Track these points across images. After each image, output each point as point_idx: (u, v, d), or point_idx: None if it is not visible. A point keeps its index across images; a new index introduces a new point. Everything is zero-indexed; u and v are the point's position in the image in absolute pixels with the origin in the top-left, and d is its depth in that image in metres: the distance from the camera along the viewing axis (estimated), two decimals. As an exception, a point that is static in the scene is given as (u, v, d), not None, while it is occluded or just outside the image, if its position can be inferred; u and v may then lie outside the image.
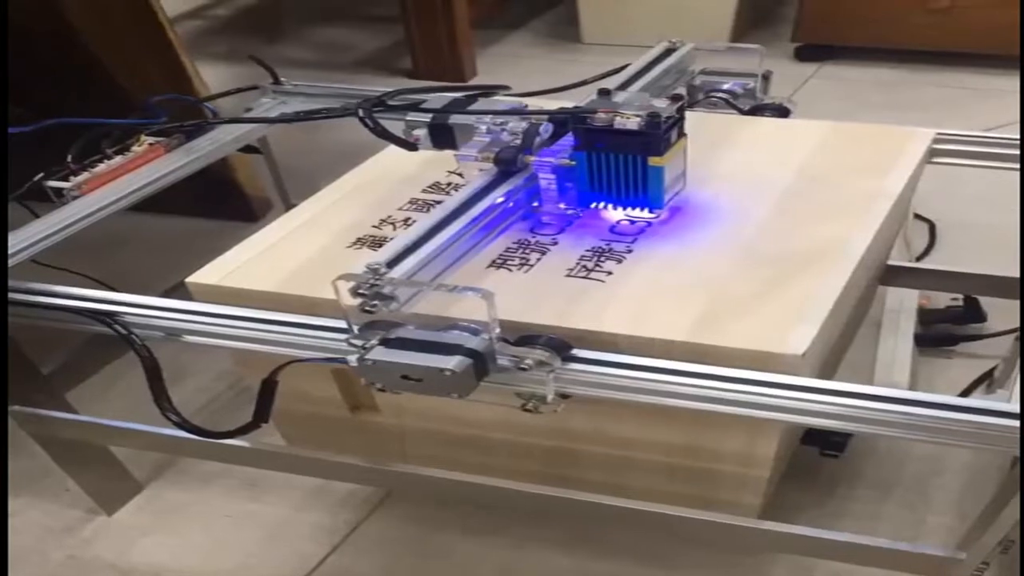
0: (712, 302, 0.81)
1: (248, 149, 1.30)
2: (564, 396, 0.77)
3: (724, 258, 0.87)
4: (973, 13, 2.24)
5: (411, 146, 0.94)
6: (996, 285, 1.19)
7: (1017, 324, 0.75)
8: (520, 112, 0.91)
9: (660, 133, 0.85)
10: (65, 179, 1.08)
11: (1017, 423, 0.67)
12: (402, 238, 0.82)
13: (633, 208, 0.92)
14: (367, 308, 0.75)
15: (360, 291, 0.75)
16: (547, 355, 0.75)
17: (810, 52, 2.43)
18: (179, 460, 1.27)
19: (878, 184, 0.97)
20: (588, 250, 0.90)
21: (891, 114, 2.05)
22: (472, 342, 0.74)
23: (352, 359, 0.76)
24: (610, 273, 0.86)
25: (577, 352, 0.77)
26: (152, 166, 1.15)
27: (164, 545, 1.16)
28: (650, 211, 0.92)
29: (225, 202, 1.78)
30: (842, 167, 1.01)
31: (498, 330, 0.74)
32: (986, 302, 1.36)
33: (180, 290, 0.93)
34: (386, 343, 0.75)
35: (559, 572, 1.08)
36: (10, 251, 1.00)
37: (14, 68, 1.31)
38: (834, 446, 1.09)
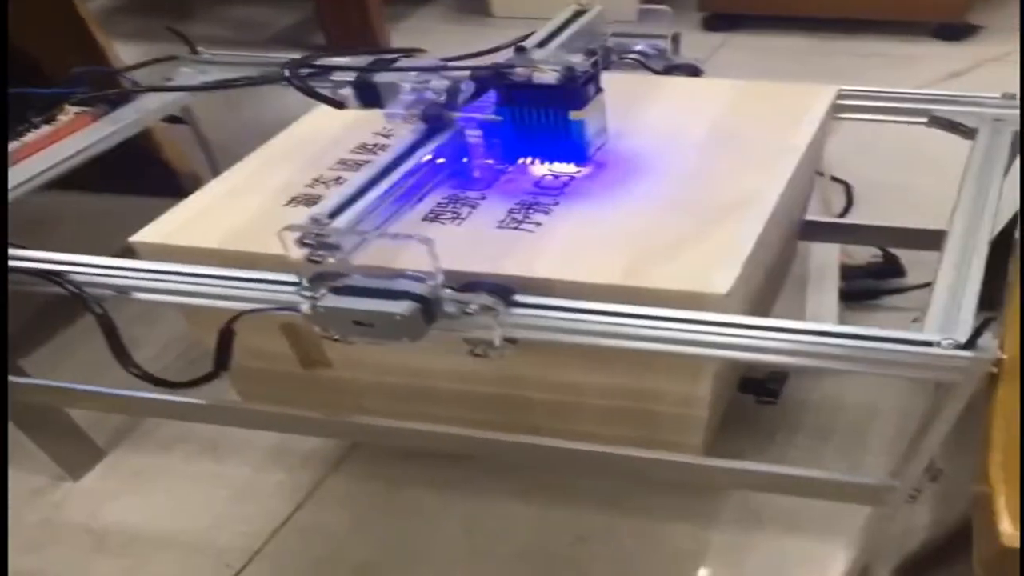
0: (639, 249, 0.86)
1: (172, 119, 1.31)
2: (511, 341, 0.81)
3: (647, 208, 0.92)
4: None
5: (339, 104, 0.96)
6: (912, 238, 1.26)
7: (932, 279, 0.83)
8: (443, 67, 0.94)
9: (578, 87, 0.89)
10: (-6, 149, 1.09)
11: (932, 350, 0.73)
12: (341, 191, 0.85)
13: (558, 162, 0.97)
14: (313, 258, 0.79)
15: (306, 241, 0.78)
16: (492, 300, 0.79)
17: (718, 21, 2.47)
18: (139, 426, 1.29)
19: (787, 137, 1.03)
20: (516, 203, 0.94)
21: (799, 80, 2.08)
22: (419, 288, 0.78)
23: (305, 307, 0.79)
24: (539, 224, 0.90)
25: (520, 297, 0.81)
26: (80, 135, 1.16)
27: (133, 507, 1.19)
28: (575, 165, 0.97)
29: (153, 178, 1.77)
30: (753, 123, 1.07)
31: (442, 277, 0.78)
32: (906, 257, 1.43)
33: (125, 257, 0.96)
34: (336, 291, 0.79)
35: (521, 519, 1.13)
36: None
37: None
38: (769, 392, 1.15)
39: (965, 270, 0.83)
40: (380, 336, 0.77)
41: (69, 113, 1.17)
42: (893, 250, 1.45)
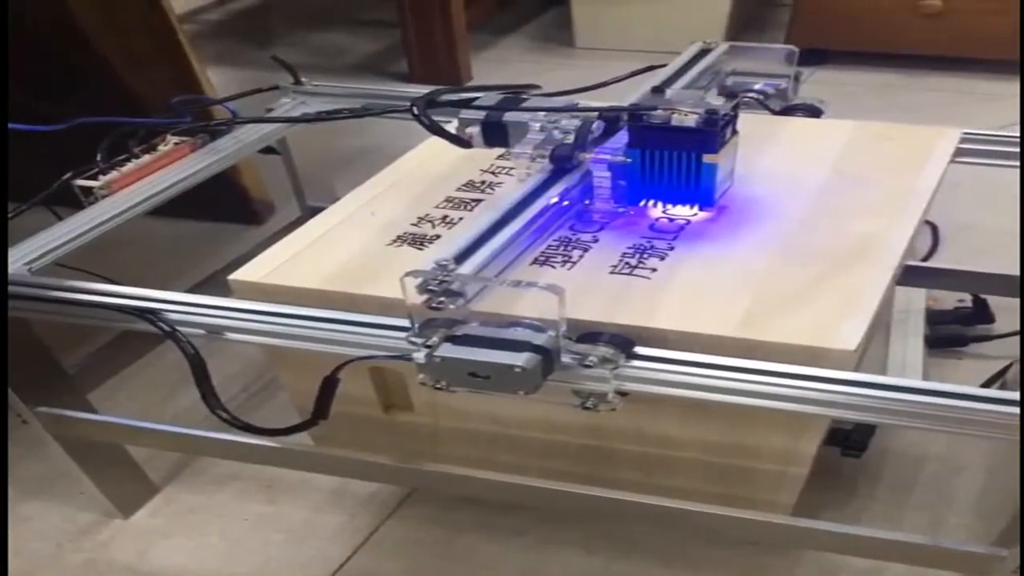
0: (758, 298, 0.81)
1: (267, 150, 1.29)
2: (622, 394, 0.76)
3: (766, 255, 0.88)
4: (965, 18, 2.26)
5: (465, 143, 0.93)
6: (1002, 284, 1.21)
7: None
8: (575, 109, 0.91)
9: (717, 130, 0.86)
10: (94, 178, 1.07)
11: None
12: (465, 234, 0.82)
13: (684, 205, 0.93)
14: (435, 305, 0.75)
15: (429, 287, 0.74)
16: (612, 352, 0.75)
17: (804, 56, 2.42)
18: (193, 462, 1.25)
19: (912, 182, 0.98)
20: (630, 247, 0.90)
21: (889, 117, 2.06)
22: (539, 338, 0.73)
23: (420, 356, 0.75)
24: (654, 270, 0.86)
25: (640, 350, 0.77)
26: (179, 165, 1.14)
27: (182, 548, 1.14)
28: (701, 208, 0.92)
29: (228, 205, 1.76)
30: (876, 165, 1.02)
31: (564, 327, 0.74)
32: (994, 303, 1.37)
33: (203, 288, 0.92)
34: (453, 340, 0.74)
35: (582, 572, 1.08)
36: (40, 252, 0.99)
37: (25, 71, 1.30)
38: (856, 445, 1.09)
39: None
40: (495, 388, 0.73)
41: (169, 143, 1.16)
42: (982, 295, 1.38)
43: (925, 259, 1.59)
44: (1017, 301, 1.18)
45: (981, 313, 1.37)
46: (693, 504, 0.88)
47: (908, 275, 1.26)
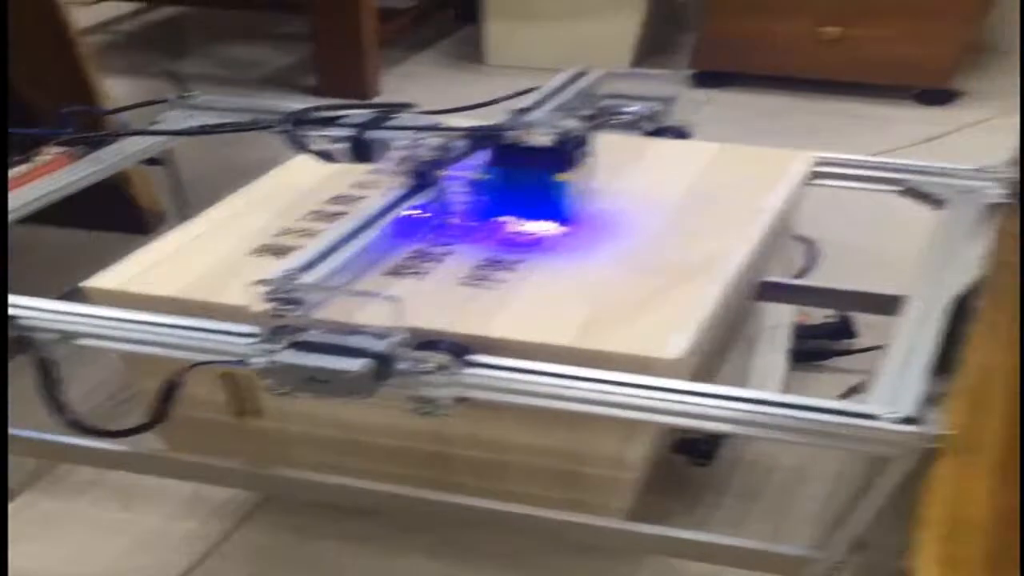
0: (597, 310, 0.85)
1: (152, 161, 1.29)
2: (460, 400, 0.79)
3: (610, 270, 0.92)
4: (862, 45, 2.33)
5: (331, 159, 0.95)
6: (868, 302, 1.25)
7: (884, 341, 0.82)
8: (437, 128, 0.94)
9: (570, 150, 0.90)
10: (-32, 187, 1.07)
11: (873, 423, 0.72)
12: (315, 245, 0.84)
13: (539, 221, 0.96)
14: (278, 312, 0.77)
15: (273, 296, 0.77)
16: (447, 359, 0.78)
17: (707, 79, 2.49)
18: (54, 470, 1.24)
19: (759, 202, 1.03)
20: (482, 260, 0.93)
21: (782, 139, 2.11)
22: (377, 345, 0.76)
23: (260, 362, 0.77)
24: (503, 282, 0.89)
25: (474, 357, 0.80)
26: (54, 176, 1.14)
27: (28, 553, 1.13)
28: (557, 224, 0.95)
29: (118, 214, 1.75)
30: (729, 186, 1.07)
31: (403, 335, 0.77)
32: (861, 319, 1.41)
33: (73, 297, 0.93)
34: (295, 346, 0.77)
35: None
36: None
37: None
38: (703, 454, 1.14)
39: (917, 341, 0.83)
40: (332, 393, 0.76)
41: (49, 153, 1.16)
42: (851, 312, 1.43)
43: (801, 275, 1.63)
44: (880, 319, 1.21)
45: (845, 328, 1.42)
46: (533, 509, 0.91)
47: (779, 292, 1.31)
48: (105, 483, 1.21)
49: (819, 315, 1.44)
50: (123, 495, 1.21)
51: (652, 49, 2.67)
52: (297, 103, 1.12)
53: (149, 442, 0.94)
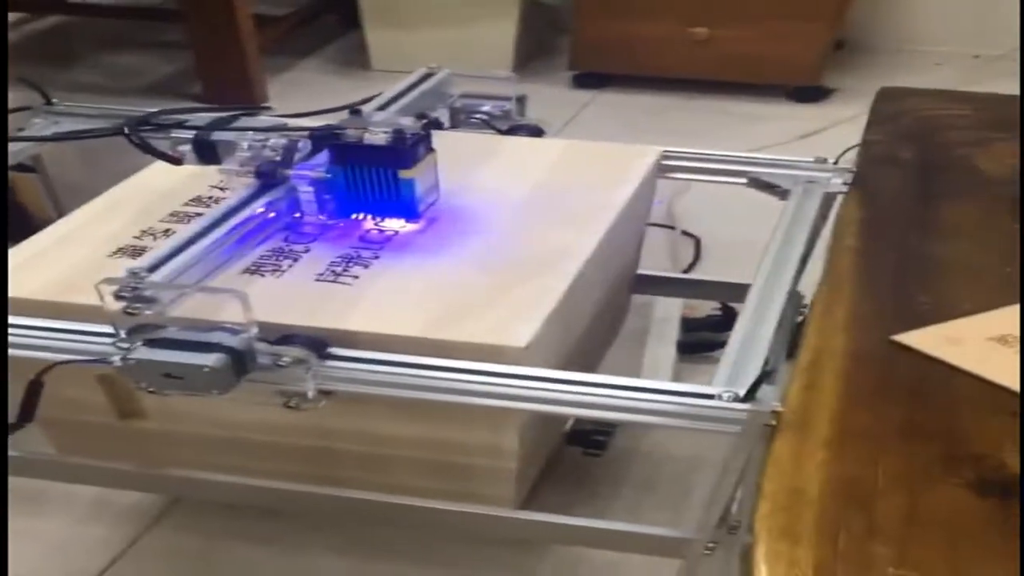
0: (449, 302, 0.89)
1: (22, 168, 1.31)
2: (326, 393, 0.82)
3: (461, 264, 0.96)
4: (729, 45, 2.42)
5: (176, 161, 0.98)
6: (744, 292, 1.29)
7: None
8: (278, 129, 0.97)
9: (407, 148, 0.93)
10: None
11: (713, 402, 0.77)
12: (164, 245, 0.87)
13: (390, 218, 1.00)
14: (130, 311, 0.80)
15: (122, 294, 0.79)
16: (304, 353, 0.81)
17: (587, 80, 2.56)
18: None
19: (606, 196, 1.07)
20: (338, 257, 0.96)
21: (661, 138, 2.14)
22: (231, 341, 0.79)
23: (116, 359, 0.80)
24: (356, 278, 0.93)
25: (333, 350, 0.83)
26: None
27: None
28: (406, 221, 1.00)
29: (9, 223, 1.75)
30: (576, 181, 1.11)
31: (255, 329, 0.80)
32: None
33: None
34: (150, 343, 0.80)
35: (335, 574, 1.13)
36: None
37: None
38: (595, 445, 1.18)
39: (758, 324, 0.88)
40: (189, 388, 0.78)
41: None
42: (733, 303, 1.48)
43: (688, 270, 1.70)
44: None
45: (729, 320, 1.46)
46: (426, 501, 0.94)
47: (661, 285, 1.37)
48: (12, 490, 1.21)
49: (706, 309, 1.50)
50: (29, 502, 1.22)
51: (533, 52, 2.72)
52: (143, 108, 1.14)
53: (41, 447, 0.95)
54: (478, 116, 1.24)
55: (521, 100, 1.25)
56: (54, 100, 1.33)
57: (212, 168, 1.01)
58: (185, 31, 2.44)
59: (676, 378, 1.36)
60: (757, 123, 2.31)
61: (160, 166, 1.13)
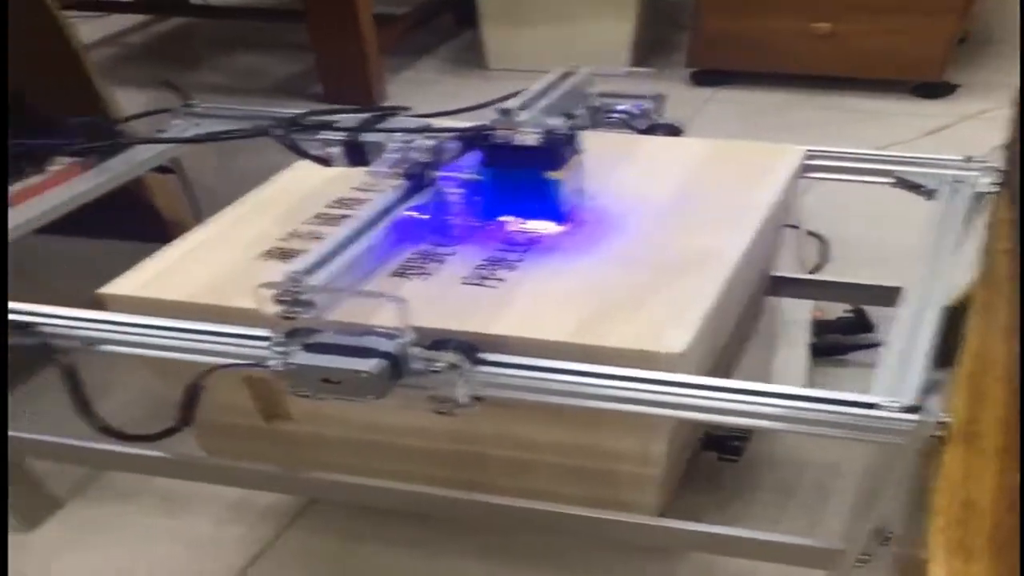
0: (597, 306, 0.87)
1: (162, 169, 1.33)
2: (477, 399, 0.82)
3: (608, 266, 0.94)
4: (852, 39, 2.35)
5: (325, 162, 0.98)
6: (878, 295, 1.27)
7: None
8: (428, 130, 0.96)
9: (557, 148, 0.92)
10: (-17, 198, 1.11)
11: (876, 412, 0.74)
12: (319, 248, 0.86)
13: (535, 220, 0.98)
14: (287, 315, 0.80)
15: (281, 298, 0.80)
16: (457, 358, 0.80)
17: (705, 77, 2.52)
18: (100, 476, 1.27)
19: (752, 196, 1.05)
20: (484, 259, 0.95)
21: (780, 135, 2.13)
22: (387, 345, 0.79)
23: (275, 364, 0.80)
24: (503, 280, 0.92)
25: (484, 355, 0.82)
26: (68, 185, 1.18)
27: (84, 561, 1.17)
28: (553, 223, 0.98)
29: (141, 224, 1.78)
30: (722, 182, 1.09)
31: (412, 334, 0.79)
32: (875, 312, 1.43)
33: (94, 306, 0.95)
34: (307, 348, 0.80)
35: None
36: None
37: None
38: (732, 451, 1.14)
39: (916, 331, 0.85)
40: (346, 393, 0.78)
41: (61, 163, 1.19)
42: (862, 305, 1.45)
43: (814, 271, 1.65)
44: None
45: (861, 322, 1.44)
46: (568, 507, 0.93)
47: (791, 287, 1.33)
48: (151, 491, 1.25)
49: (837, 311, 1.46)
50: (170, 502, 1.24)
51: (650, 49, 2.70)
52: (297, 110, 1.15)
53: (189, 448, 0.96)
54: (616, 115, 1.22)
55: (659, 99, 1.22)
56: (194, 101, 1.34)
57: (354, 169, 1.01)
58: (307, 31, 2.46)
59: (809, 383, 1.32)
60: (881, 120, 2.25)
61: (300, 168, 1.15)
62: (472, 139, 0.95)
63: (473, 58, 2.76)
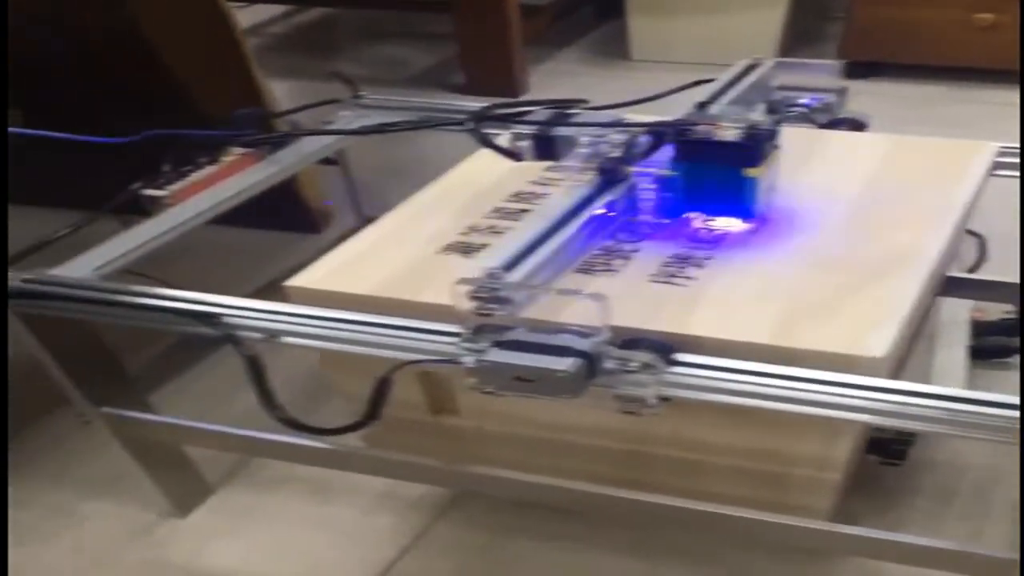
0: (791, 306, 0.84)
1: (327, 161, 1.33)
2: (664, 399, 0.79)
3: (801, 265, 0.90)
4: (1015, 32, 2.24)
5: (516, 157, 0.97)
6: None
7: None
8: (622, 124, 0.94)
9: (758, 145, 0.88)
10: (160, 188, 1.12)
11: None
12: (513, 244, 0.85)
13: (724, 217, 0.95)
14: (483, 311, 0.78)
15: (478, 294, 0.78)
16: (652, 358, 0.77)
17: (856, 69, 2.44)
18: (249, 464, 1.29)
19: (946, 194, 1.01)
20: (671, 256, 0.93)
21: (936, 129, 2.04)
22: (582, 344, 0.76)
23: (468, 360, 0.78)
24: (692, 279, 0.89)
25: (679, 356, 0.79)
26: (241, 176, 1.19)
27: (234, 548, 1.18)
28: (743, 221, 0.95)
29: (287, 214, 1.80)
30: (913, 179, 1.05)
31: (608, 333, 0.77)
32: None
33: (262, 294, 0.96)
34: (499, 345, 0.78)
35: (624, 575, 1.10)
36: (108, 258, 1.04)
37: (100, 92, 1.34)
38: (896, 455, 1.10)
39: None
40: (540, 392, 0.76)
41: (233, 154, 1.20)
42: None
43: (971, 271, 1.59)
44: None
45: None
46: (733, 509, 0.90)
47: (953, 287, 1.27)
48: (298, 478, 1.25)
49: (997, 311, 1.41)
50: (317, 491, 1.24)
51: (796, 40, 2.63)
52: (451, 100, 1.14)
53: (346, 440, 0.96)
54: (797, 108, 1.17)
55: (842, 93, 1.18)
56: (362, 92, 1.34)
57: (525, 163, 1.00)
58: (452, 21, 2.45)
59: (970, 386, 1.25)
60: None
61: (473, 160, 1.14)
62: (666, 134, 0.92)
63: (614, 50, 2.73)
